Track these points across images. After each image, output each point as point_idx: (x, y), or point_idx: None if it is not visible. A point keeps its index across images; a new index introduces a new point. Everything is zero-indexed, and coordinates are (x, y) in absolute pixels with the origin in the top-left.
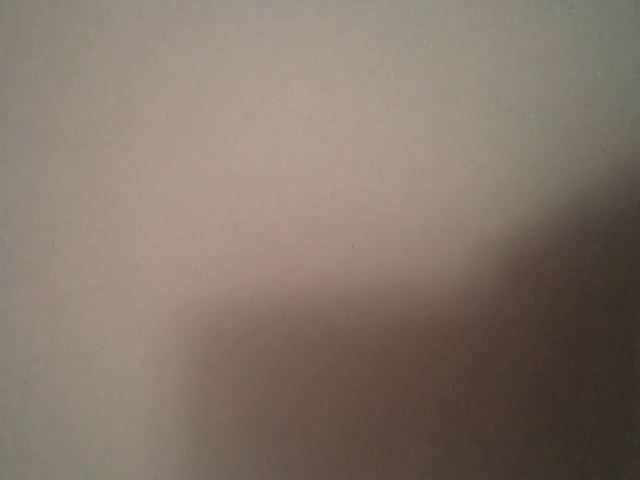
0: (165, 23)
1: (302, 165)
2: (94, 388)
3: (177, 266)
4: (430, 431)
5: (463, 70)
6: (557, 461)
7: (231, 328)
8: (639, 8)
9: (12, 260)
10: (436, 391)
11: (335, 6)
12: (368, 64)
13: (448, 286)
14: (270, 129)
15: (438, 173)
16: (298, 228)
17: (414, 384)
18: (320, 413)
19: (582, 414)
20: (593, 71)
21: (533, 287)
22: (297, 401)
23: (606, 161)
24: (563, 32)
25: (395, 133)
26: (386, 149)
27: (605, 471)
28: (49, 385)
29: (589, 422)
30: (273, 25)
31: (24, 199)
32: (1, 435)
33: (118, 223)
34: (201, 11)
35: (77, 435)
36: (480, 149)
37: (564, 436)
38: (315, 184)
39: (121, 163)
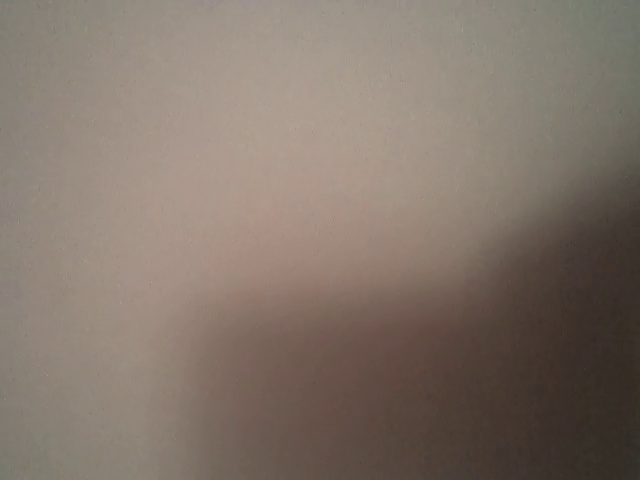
0: (168, 25)
1: (304, 166)
2: (96, 388)
3: (178, 266)
4: (429, 430)
5: (464, 72)
6: (557, 461)
7: (232, 328)
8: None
9: (14, 261)
10: (435, 390)
11: (338, 7)
12: (369, 65)
13: (447, 285)
14: (272, 130)
15: (438, 173)
16: (298, 228)
17: (414, 383)
18: (320, 412)
19: (582, 414)
20: (594, 72)
21: (533, 287)
22: (297, 400)
23: (606, 161)
24: (564, 33)
25: (395, 134)
26: (386, 150)
27: (606, 470)
28: (51, 385)
29: (589, 422)
30: (275, 26)
31: (28, 201)
32: (5, 434)
33: (120, 224)
34: (203, 12)
35: (79, 435)
36: (480, 150)
37: (564, 436)
38: (316, 185)
39: (123, 164)
